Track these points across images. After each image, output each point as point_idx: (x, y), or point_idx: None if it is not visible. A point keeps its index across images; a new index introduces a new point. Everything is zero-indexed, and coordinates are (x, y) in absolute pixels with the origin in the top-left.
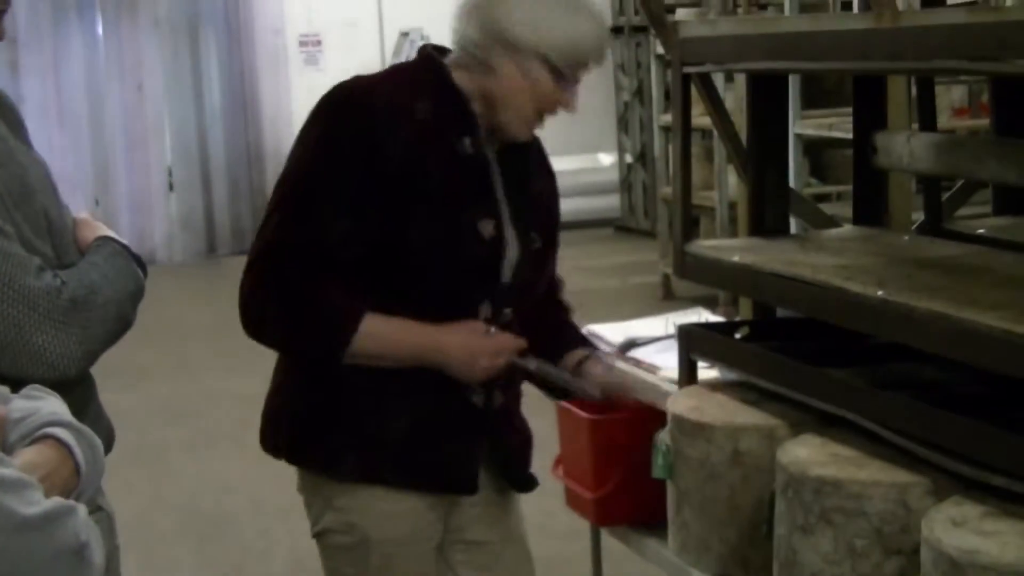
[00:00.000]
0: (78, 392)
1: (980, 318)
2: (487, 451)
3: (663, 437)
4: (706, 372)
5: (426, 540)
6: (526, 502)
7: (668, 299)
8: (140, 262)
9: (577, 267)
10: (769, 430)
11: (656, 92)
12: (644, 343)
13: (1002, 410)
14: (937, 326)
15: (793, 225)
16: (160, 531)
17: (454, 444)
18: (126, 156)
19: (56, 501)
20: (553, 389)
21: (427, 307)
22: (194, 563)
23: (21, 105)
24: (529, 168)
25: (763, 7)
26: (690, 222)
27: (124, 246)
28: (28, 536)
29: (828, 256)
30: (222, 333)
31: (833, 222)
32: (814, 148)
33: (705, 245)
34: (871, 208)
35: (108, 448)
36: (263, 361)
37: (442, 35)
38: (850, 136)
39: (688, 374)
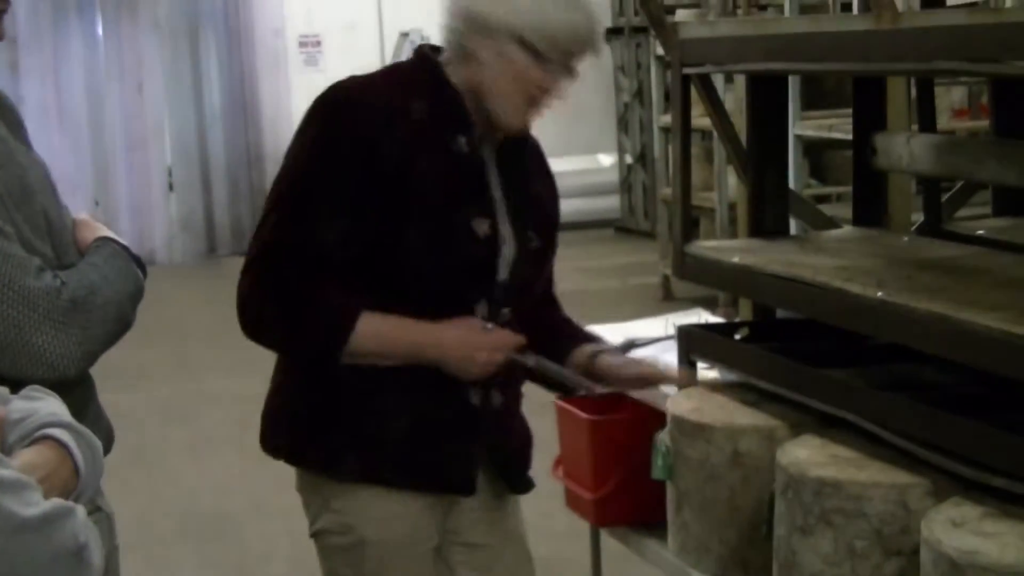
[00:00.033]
0: (78, 393)
1: (980, 319)
2: (486, 452)
3: (663, 438)
4: (706, 373)
5: (423, 542)
6: (526, 503)
7: (668, 300)
8: (140, 263)
9: (577, 268)
10: (769, 431)
11: (656, 93)
12: (644, 344)
13: (1002, 411)
14: (937, 327)
15: (793, 226)
16: (160, 532)
17: (452, 444)
18: (126, 157)
19: (55, 502)
20: (553, 385)
21: (423, 306)
22: (194, 563)
23: (21, 106)
24: (528, 169)
25: (763, 8)
26: (690, 223)
27: (124, 247)
28: (27, 537)
29: (828, 257)
30: (222, 334)
31: (833, 223)
32: (814, 149)
33: (705, 246)
34: (871, 209)
35: (108, 449)
36: (263, 362)
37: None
38: (850, 137)
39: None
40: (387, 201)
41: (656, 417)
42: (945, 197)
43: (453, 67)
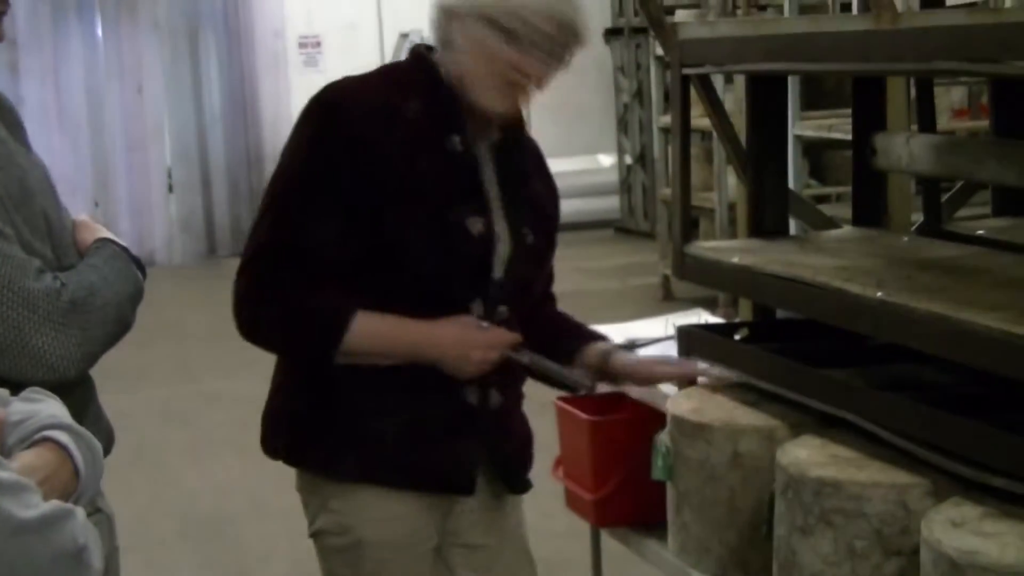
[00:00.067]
0: (78, 394)
1: (979, 319)
2: (485, 452)
3: (663, 438)
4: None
5: (421, 543)
6: (526, 503)
7: (668, 300)
8: (139, 264)
9: (577, 268)
10: (769, 431)
11: (656, 93)
12: (644, 344)
13: (1001, 411)
14: (936, 327)
15: (792, 226)
16: (160, 533)
17: (450, 443)
18: (126, 158)
19: (54, 504)
20: (553, 383)
21: (419, 304)
22: (194, 564)
23: (21, 107)
24: (525, 167)
25: (762, 8)
26: (689, 223)
27: (123, 248)
28: (26, 539)
29: (827, 257)
30: (222, 335)
31: (832, 223)
32: (813, 149)
33: (704, 246)
34: (870, 209)
35: (108, 450)
36: (263, 363)
37: None
38: (849, 137)
39: None
40: (381, 200)
41: (656, 417)
42: (945, 197)
43: (443, 63)
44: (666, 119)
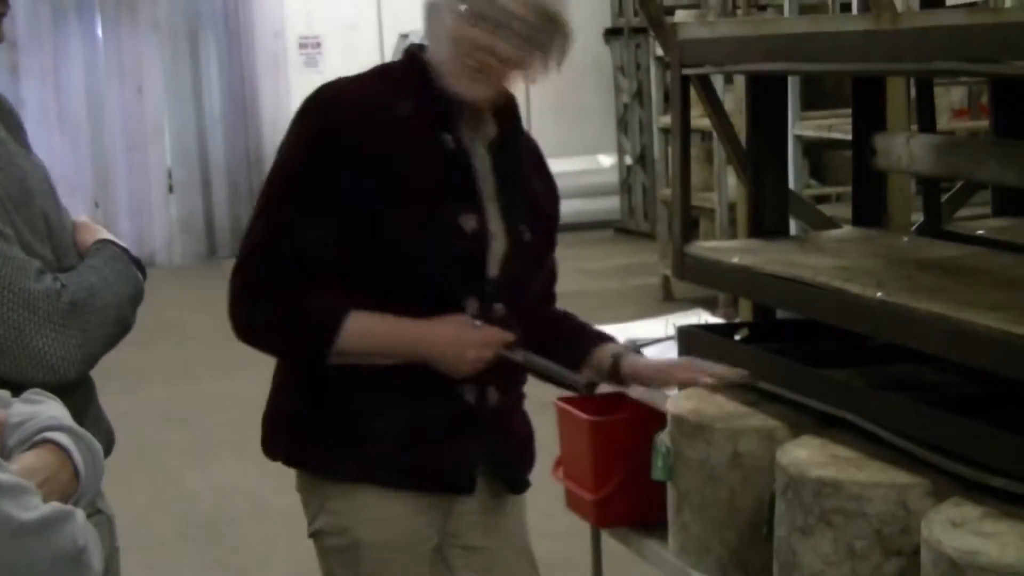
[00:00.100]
0: (78, 395)
1: (979, 319)
2: (485, 452)
3: (663, 439)
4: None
5: (421, 544)
6: (526, 503)
7: (668, 301)
8: (139, 265)
9: (577, 269)
10: (769, 431)
11: (655, 94)
12: (644, 345)
13: (1001, 411)
14: (936, 327)
15: (793, 226)
16: (160, 534)
17: (449, 443)
18: (126, 158)
19: (54, 506)
20: (549, 381)
21: (413, 303)
22: (194, 565)
23: (21, 108)
24: (523, 166)
25: (762, 8)
26: (689, 224)
27: (124, 249)
28: (25, 541)
29: (827, 257)
30: (222, 335)
31: (832, 223)
32: (813, 149)
33: (704, 247)
34: (870, 209)
35: (108, 451)
36: (263, 364)
37: None
38: (849, 137)
39: None
40: (375, 200)
41: (656, 418)
42: (945, 197)
43: (430, 59)
44: (666, 119)
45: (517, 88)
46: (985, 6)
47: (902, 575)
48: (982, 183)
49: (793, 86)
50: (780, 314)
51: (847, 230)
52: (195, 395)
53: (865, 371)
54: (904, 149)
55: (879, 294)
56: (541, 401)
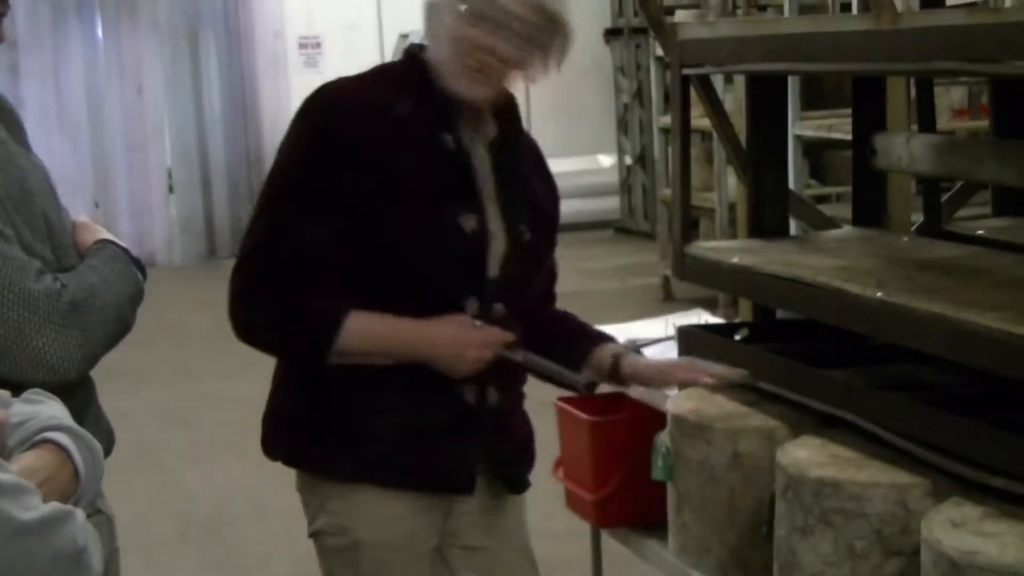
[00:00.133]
0: (78, 395)
1: (979, 319)
2: (484, 452)
3: (663, 439)
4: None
5: (420, 544)
6: (526, 503)
7: (668, 301)
8: (140, 265)
9: (577, 269)
10: (769, 431)
11: (655, 94)
12: (644, 345)
13: (1001, 411)
14: (936, 327)
15: (793, 226)
16: (160, 534)
17: (449, 443)
18: (126, 159)
19: (54, 506)
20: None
21: (413, 303)
22: (194, 566)
23: (21, 108)
24: (523, 166)
25: (762, 8)
26: (689, 224)
27: (124, 249)
28: (25, 541)
29: (827, 257)
30: (222, 336)
31: (832, 223)
32: (813, 149)
33: (705, 247)
34: (870, 209)
35: (108, 451)
36: (263, 364)
37: None
38: (849, 137)
39: None
40: (375, 200)
41: (656, 418)
42: (945, 197)
43: (430, 59)
44: (666, 119)
45: (517, 88)
46: (985, 6)
47: (902, 575)
48: (982, 183)
49: (793, 86)
50: (780, 314)
51: (847, 230)
52: (195, 395)
53: (865, 371)
54: (904, 149)
55: (879, 294)
56: (541, 401)
